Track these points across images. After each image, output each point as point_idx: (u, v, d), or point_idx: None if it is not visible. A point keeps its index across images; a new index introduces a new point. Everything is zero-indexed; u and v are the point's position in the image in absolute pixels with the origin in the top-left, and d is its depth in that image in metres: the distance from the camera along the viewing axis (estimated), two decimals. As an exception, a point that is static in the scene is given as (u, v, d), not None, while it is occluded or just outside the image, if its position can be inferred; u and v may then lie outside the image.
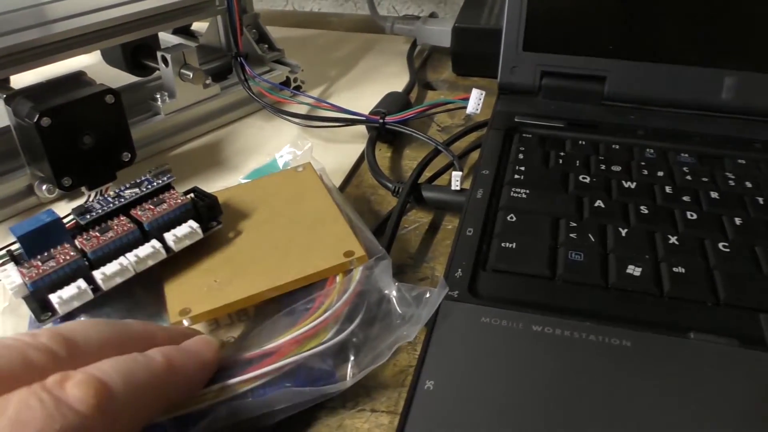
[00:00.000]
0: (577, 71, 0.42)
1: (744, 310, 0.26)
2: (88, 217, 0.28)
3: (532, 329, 0.25)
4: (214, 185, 0.39)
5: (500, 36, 0.45)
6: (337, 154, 0.42)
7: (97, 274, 0.26)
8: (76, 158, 0.35)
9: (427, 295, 0.26)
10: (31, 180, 0.37)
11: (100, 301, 0.26)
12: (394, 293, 0.27)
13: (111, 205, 0.28)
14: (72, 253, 0.26)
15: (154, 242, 0.27)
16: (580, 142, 0.38)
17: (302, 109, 0.46)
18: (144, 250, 0.27)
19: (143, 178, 0.30)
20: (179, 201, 0.28)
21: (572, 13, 0.42)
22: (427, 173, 0.39)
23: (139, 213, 0.28)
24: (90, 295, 0.25)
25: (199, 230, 0.28)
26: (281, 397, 0.22)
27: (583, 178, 0.35)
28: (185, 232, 0.27)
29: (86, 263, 0.26)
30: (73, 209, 0.29)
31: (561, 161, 0.36)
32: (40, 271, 0.25)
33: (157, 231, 0.28)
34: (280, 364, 0.23)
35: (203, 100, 0.45)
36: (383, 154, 0.43)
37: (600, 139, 0.39)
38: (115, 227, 0.27)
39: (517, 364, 0.24)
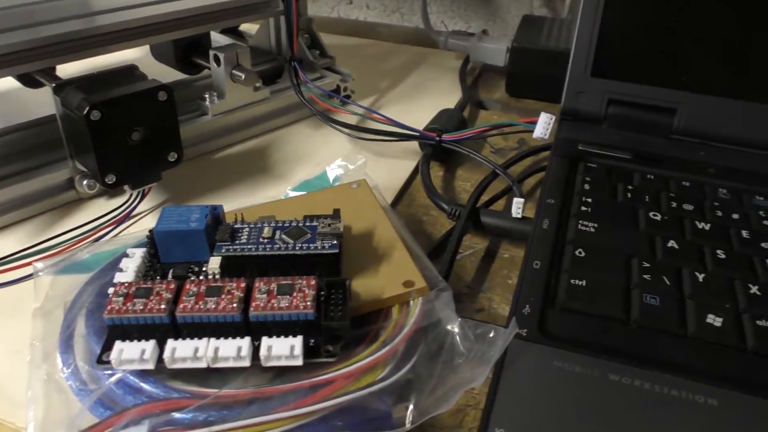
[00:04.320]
0: (647, 101, 0.40)
1: (841, 374, 0.24)
2: (231, 250, 0.25)
3: (608, 378, 0.23)
4: (261, 193, 0.38)
5: (559, 59, 0.43)
6: (388, 169, 0.40)
7: (168, 349, 0.22)
8: (122, 155, 0.33)
9: (491, 335, 0.24)
10: (72, 173, 0.36)
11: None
12: (457, 329, 0.25)
13: (260, 245, 0.25)
14: (162, 306, 0.23)
15: (245, 345, 0.22)
16: (648, 176, 0.36)
17: (352, 120, 0.45)
18: (228, 348, 0.22)
19: (306, 226, 0.26)
20: (306, 305, 0.23)
21: (646, 40, 0.40)
22: (483, 197, 0.37)
23: (257, 296, 0.23)
24: (150, 366, 0.22)
25: (300, 358, 0.22)
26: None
27: (654, 215, 0.32)
28: (282, 352, 0.22)
29: (170, 323, 0.23)
30: (222, 227, 0.26)
31: (630, 195, 0.34)
32: (125, 308, 0.23)
33: (257, 328, 0.23)
34: (337, 401, 0.21)
35: (252, 102, 0.43)
36: (435, 173, 0.41)
37: (669, 174, 0.36)
38: (223, 297, 0.23)
39: (595, 415, 0.22)
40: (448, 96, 0.51)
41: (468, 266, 0.33)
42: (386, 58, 0.60)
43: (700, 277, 0.28)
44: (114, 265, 0.28)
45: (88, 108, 0.31)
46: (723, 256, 0.30)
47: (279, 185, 0.38)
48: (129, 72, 0.35)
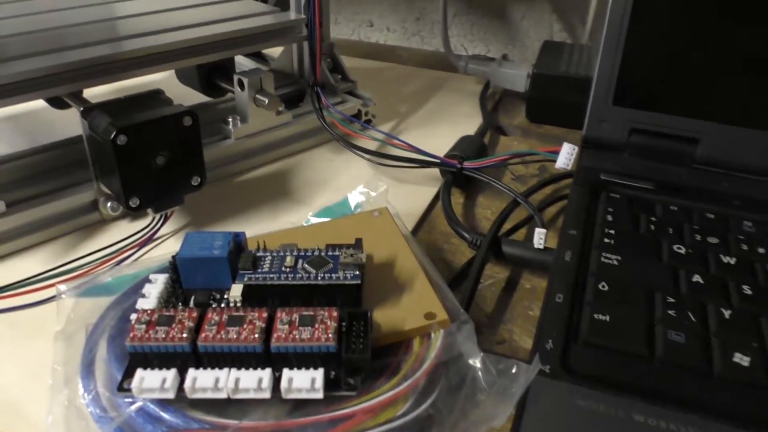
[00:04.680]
0: (669, 131, 0.40)
1: None
2: (253, 279, 0.25)
3: (633, 419, 0.23)
4: (282, 218, 0.38)
5: (580, 85, 0.43)
6: (409, 196, 0.40)
7: (189, 379, 0.22)
8: (146, 179, 0.33)
9: (514, 370, 0.24)
10: (96, 195, 0.36)
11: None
12: (479, 364, 0.24)
13: (282, 275, 0.25)
14: (184, 335, 0.23)
15: (266, 377, 0.22)
16: (671, 207, 0.36)
17: (373, 145, 0.45)
18: (249, 379, 0.22)
19: (329, 256, 0.26)
20: (328, 337, 0.23)
21: (668, 69, 0.40)
22: (504, 225, 0.37)
23: (279, 327, 0.23)
24: (171, 395, 0.22)
25: (321, 391, 0.22)
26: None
27: (678, 248, 0.32)
28: (303, 385, 0.22)
29: (191, 352, 0.23)
30: (244, 254, 0.26)
31: (653, 227, 0.34)
32: (147, 336, 0.23)
33: (278, 359, 0.23)
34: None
35: (274, 126, 0.44)
36: (456, 200, 0.41)
37: (692, 205, 0.36)
38: (245, 327, 0.23)
39: (619, 459, 0.21)
40: (468, 121, 0.51)
41: (489, 296, 0.33)
42: (406, 82, 0.60)
43: (726, 313, 0.28)
44: (136, 290, 0.28)
45: (114, 132, 0.32)
46: (749, 292, 0.29)
47: (300, 210, 0.38)
48: (155, 96, 0.36)
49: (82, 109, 0.34)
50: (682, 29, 0.39)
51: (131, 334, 0.23)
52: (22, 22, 0.41)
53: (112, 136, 0.31)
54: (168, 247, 0.35)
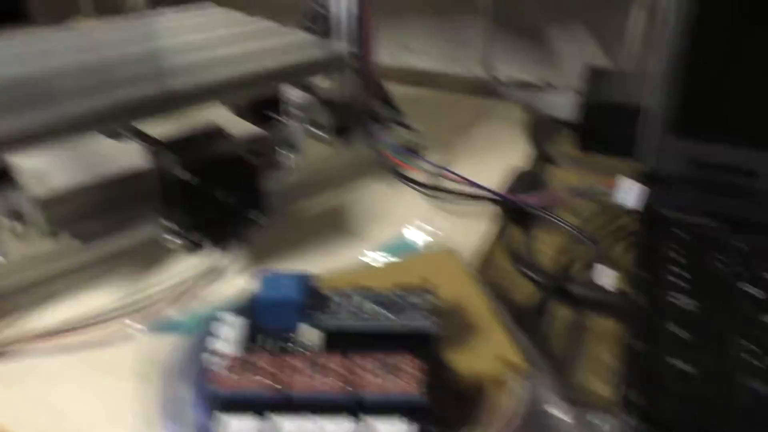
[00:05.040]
0: (730, 162, 0.39)
1: None
2: (331, 323, 0.25)
3: (726, 477, 0.22)
4: (339, 253, 0.37)
5: (631, 114, 0.43)
6: (464, 230, 0.40)
7: (274, 426, 0.22)
8: (208, 215, 0.34)
9: (598, 422, 0.23)
10: (160, 230, 0.36)
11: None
12: (560, 414, 0.24)
13: (359, 319, 0.25)
14: (269, 382, 0.23)
15: (352, 426, 0.22)
16: (739, 245, 0.35)
17: (424, 176, 0.44)
18: (336, 429, 0.22)
19: (405, 300, 0.26)
20: (413, 387, 0.22)
21: (728, 99, 0.39)
22: (567, 263, 0.36)
23: (362, 375, 0.23)
24: None
25: None
26: None
27: (755, 290, 0.31)
28: None
29: (276, 399, 0.23)
30: (321, 297, 0.27)
31: (723, 267, 0.33)
32: (232, 381, 0.23)
33: (363, 408, 0.23)
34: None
35: (325, 158, 0.44)
36: (516, 237, 0.40)
37: (763, 244, 0.35)
38: (328, 374, 0.23)
39: None
40: (514, 150, 0.51)
41: (557, 340, 0.32)
42: (449, 110, 0.60)
43: (811, 361, 0.27)
44: (210, 329, 0.28)
45: (179, 168, 0.32)
46: (834, 339, 0.28)
47: (357, 245, 0.38)
48: (217, 133, 0.36)
49: (146, 144, 0.34)
50: (742, 59, 0.38)
51: (216, 379, 0.23)
52: (72, 57, 0.41)
53: (177, 171, 0.32)
54: (232, 284, 0.35)
